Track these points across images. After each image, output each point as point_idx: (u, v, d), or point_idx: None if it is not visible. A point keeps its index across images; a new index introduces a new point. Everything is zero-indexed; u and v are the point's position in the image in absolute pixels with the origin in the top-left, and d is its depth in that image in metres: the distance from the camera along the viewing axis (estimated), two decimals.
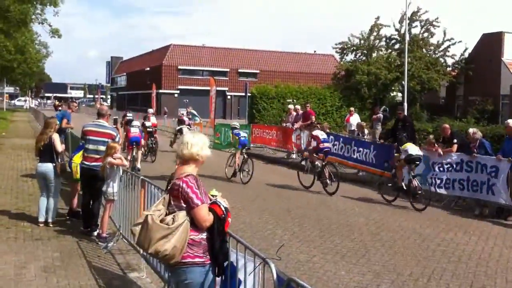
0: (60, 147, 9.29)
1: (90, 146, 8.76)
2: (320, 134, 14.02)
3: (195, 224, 4.14)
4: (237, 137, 15.28)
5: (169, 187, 4.25)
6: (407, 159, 12.17)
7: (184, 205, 4.13)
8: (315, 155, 13.96)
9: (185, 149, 4.28)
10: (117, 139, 8.95)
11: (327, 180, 13.40)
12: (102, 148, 8.57)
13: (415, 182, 12.07)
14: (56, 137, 9.27)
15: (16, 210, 10.31)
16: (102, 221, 8.39)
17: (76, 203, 9.85)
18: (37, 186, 12.73)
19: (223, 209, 4.26)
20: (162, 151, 20.59)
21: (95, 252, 7.81)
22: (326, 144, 14.01)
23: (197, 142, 4.32)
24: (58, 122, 10.17)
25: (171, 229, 4.04)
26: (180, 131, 15.93)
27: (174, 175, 4.31)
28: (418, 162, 12.33)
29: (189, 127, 16.26)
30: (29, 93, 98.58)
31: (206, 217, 4.14)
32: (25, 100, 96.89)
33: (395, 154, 13.45)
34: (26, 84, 72.81)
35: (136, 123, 16.50)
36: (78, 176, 9.59)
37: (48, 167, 9.08)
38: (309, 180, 14.01)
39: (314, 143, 13.97)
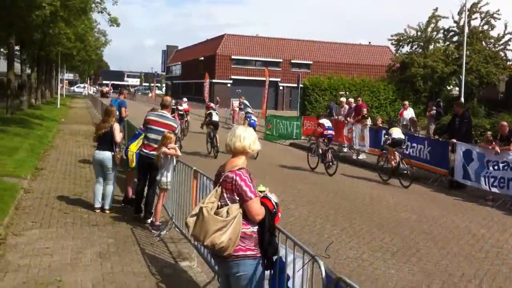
0: (119, 136, 9.49)
1: (152, 135, 8.98)
2: (326, 122, 16.02)
3: (246, 217, 4.19)
4: (248, 119, 18.89)
5: (221, 180, 4.29)
6: (392, 142, 14.30)
7: (237, 198, 4.19)
8: (320, 140, 15.86)
9: (238, 142, 4.33)
10: (176, 131, 9.12)
11: (330, 162, 15.23)
12: None
13: (403, 163, 14.11)
14: (116, 127, 9.47)
15: (74, 195, 10.70)
16: (156, 210, 8.61)
17: (131, 190, 10.13)
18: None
19: (273, 203, 4.31)
20: (193, 132, 24.82)
21: (148, 239, 8.04)
22: (329, 131, 15.86)
23: (249, 135, 4.37)
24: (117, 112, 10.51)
25: (227, 221, 4.10)
26: (210, 115, 18.15)
27: (224, 168, 4.36)
28: (402, 146, 14.58)
29: (217, 112, 18.95)
30: (88, 80, 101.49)
31: (259, 210, 4.19)
32: (84, 87, 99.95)
33: (385, 136, 15.31)
34: (85, 71, 75.00)
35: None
36: (133, 164, 9.86)
37: (105, 155, 9.32)
38: (315, 162, 15.79)
39: (320, 130, 15.84)
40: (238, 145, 4.34)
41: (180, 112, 21.84)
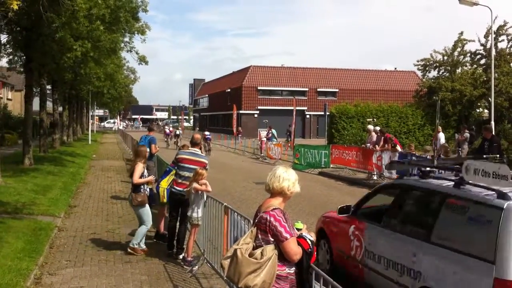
0: (136, 177, 9.11)
1: (184, 173, 9.02)
2: (207, 133, 32.96)
3: (282, 259, 4.14)
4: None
5: (256, 220, 4.28)
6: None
7: (272, 239, 4.13)
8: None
9: (276, 182, 4.29)
10: (207, 167, 9.18)
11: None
12: None
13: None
14: (137, 168, 9.20)
15: (107, 232, 10.83)
16: (188, 245, 8.64)
17: (162, 226, 10.21)
18: (126, 208, 13.41)
19: (309, 242, 4.25)
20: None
21: (180, 275, 8.06)
22: (208, 136, 32.24)
23: (289, 177, 4.32)
24: (147, 150, 10.56)
25: (260, 263, 4.04)
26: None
27: (260, 208, 4.35)
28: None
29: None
30: (118, 116, 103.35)
31: (296, 250, 4.12)
32: (114, 122, 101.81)
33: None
34: (115, 107, 76.53)
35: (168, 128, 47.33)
36: (165, 200, 9.96)
37: (130, 196, 9.33)
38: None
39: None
40: (276, 186, 4.29)
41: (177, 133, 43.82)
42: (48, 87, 32.90)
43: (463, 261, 5.12)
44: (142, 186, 9.24)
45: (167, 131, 47.60)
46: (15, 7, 9.64)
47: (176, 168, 9.29)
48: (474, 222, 5.26)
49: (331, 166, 24.27)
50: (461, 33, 37.21)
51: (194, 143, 9.55)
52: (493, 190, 5.24)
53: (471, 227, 5.28)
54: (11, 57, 26.38)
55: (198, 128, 74.87)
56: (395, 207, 6.82)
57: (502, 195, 5.11)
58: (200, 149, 9.73)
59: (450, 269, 5.28)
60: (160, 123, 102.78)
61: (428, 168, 6.62)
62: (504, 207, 4.96)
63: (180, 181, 9.06)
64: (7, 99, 53.85)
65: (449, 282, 5.26)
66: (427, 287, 5.48)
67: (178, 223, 9.21)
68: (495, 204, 5.08)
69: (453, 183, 5.85)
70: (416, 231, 6.06)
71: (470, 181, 5.52)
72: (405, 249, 6.02)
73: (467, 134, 20.40)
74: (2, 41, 19.09)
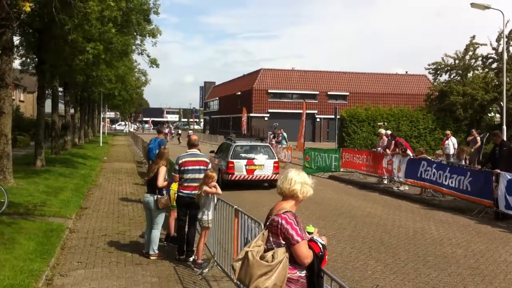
0: (161, 181, 9.13)
1: (189, 176, 9.04)
2: (190, 132, 35.10)
3: (293, 262, 4.13)
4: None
5: (267, 223, 4.28)
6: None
7: (283, 242, 4.13)
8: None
9: (288, 185, 4.30)
10: (209, 166, 9.19)
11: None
12: (199, 175, 8.89)
13: None
14: (161, 170, 9.20)
15: (118, 234, 10.89)
16: (198, 248, 8.66)
17: (173, 228, 10.23)
18: (137, 210, 13.46)
19: (320, 246, 4.22)
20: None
21: (190, 278, 8.08)
22: (190, 134, 30.21)
23: (300, 180, 4.33)
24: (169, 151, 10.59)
25: (272, 266, 4.04)
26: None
27: (272, 211, 4.35)
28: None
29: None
30: (129, 118, 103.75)
31: (306, 253, 4.11)
32: (124, 125, 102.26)
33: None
34: (126, 110, 76.79)
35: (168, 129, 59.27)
36: (174, 203, 9.99)
37: (150, 199, 9.20)
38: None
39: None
40: (287, 189, 4.30)
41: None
42: (60, 89, 33.12)
43: (224, 159, 19.07)
44: (164, 189, 9.30)
45: (166, 131, 60.61)
46: (28, 9, 9.72)
47: (180, 173, 9.22)
48: (227, 149, 19.41)
49: (342, 170, 24.21)
50: (473, 37, 37.04)
51: (191, 145, 9.57)
52: (234, 141, 19.80)
53: (226, 151, 19.31)
54: (23, 59, 26.65)
55: (208, 132, 74.97)
56: (220, 149, 20.91)
57: (234, 141, 19.78)
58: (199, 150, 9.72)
59: (221, 161, 19.38)
60: (171, 125, 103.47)
61: (230, 137, 23.38)
62: (233, 144, 19.36)
63: (186, 184, 9.06)
64: (20, 101, 54.24)
65: (222, 165, 19.11)
66: (220, 168, 18.88)
67: (187, 227, 9.21)
68: (232, 144, 19.40)
69: (231, 141, 20.17)
70: (220, 155, 20.01)
71: (233, 140, 20.27)
72: (218, 160, 19.74)
73: (479, 142, 20.39)
74: (14, 43, 19.23)
